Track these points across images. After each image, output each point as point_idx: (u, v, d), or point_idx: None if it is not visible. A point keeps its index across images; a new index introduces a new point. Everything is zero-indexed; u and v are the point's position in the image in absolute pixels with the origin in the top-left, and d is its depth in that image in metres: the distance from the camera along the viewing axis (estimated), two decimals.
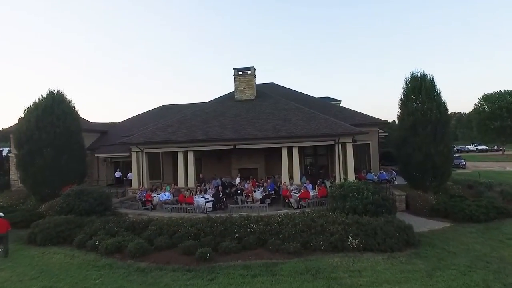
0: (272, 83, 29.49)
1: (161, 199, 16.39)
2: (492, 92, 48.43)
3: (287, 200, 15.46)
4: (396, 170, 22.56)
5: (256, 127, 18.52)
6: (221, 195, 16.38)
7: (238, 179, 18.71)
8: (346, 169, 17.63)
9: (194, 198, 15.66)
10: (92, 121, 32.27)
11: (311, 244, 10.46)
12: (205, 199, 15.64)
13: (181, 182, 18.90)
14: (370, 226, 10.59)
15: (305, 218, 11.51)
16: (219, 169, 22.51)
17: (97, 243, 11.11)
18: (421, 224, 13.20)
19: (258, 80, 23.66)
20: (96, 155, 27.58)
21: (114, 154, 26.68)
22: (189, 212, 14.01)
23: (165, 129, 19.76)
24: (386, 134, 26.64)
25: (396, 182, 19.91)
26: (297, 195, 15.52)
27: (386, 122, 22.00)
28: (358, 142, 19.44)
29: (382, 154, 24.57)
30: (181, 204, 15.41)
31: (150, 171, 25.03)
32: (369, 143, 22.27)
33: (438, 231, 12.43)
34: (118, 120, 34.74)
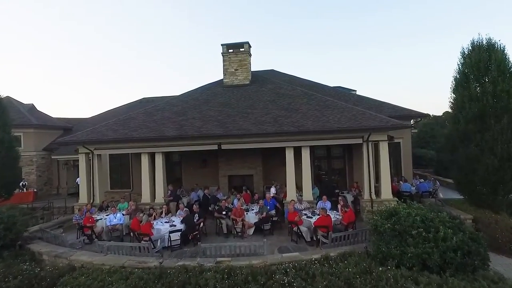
0: (272, 69, 24.21)
1: (108, 224, 11.09)
2: None
3: (295, 228, 10.15)
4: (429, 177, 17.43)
5: (251, 120, 13.24)
6: (197, 219, 11.07)
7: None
8: (378, 178, 12.34)
9: (154, 224, 10.37)
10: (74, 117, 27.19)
11: None
12: (171, 225, 10.33)
13: (145, 196, 13.60)
14: None
15: (333, 278, 6.20)
16: (204, 177, 17.23)
17: None
18: None
19: (254, 67, 18.39)
20: (53, 157, 22.31)
21: (77, 155, 21.48)
22: (137, 254, 8.65)
23: (126, 123, 14.46)
24: (415, 130, 21.39)
25: (441, 195, 14.62)
26: (311, 220, 10.23)
27: (425, 114, 16.72)
28: (374, 143, 13.43)
29: None
30: (133, 234, 10.12)
31: (119, 178, 20.18)
32: (399, 142, 17.01)
33: None
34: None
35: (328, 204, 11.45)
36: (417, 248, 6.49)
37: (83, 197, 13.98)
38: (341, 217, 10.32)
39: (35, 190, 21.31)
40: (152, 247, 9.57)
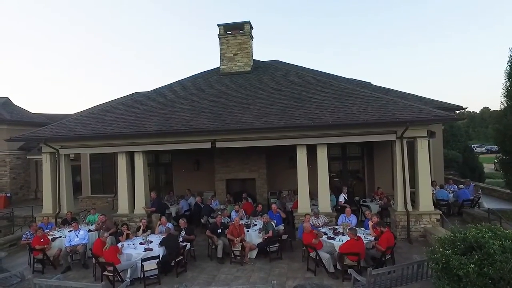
0: (276, 60, 21.59)
1: (67, 244, 8.50)
2: None
3: (312, 253, 7.53)
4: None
5: (253, 112, 10.65)
6: (182, 237, 8.49)
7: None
8: (416, 183, 9.71)
9: (124, 247, 7.79)
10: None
11: None
12: (146, 248, 7.73)
13: (123, 206, 11.00)
14: None
15: None
16: (198, 181, 14.74)
17: None
18: None
19: (255, 57, 15.58)
20: (28, 157, 19.82)
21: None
22: None
23: (100, 117, 11.89)
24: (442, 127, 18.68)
25: (485, 205, 11.99)
26: (334, 242, 7.63)
27: (460, 107, 14.02)
28: (408, 140, 9.92)
29: None
30: (96, 261, 7.54)
31: (101, 181, 17.67)
32: (428, 141, 14.36)
33: None
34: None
35: (353, 220, 8.85)
36: None
37: (47, 207, 11.41)
38: (373, 237, 7.71)
39: (8, 194, 18.83)
40: (118, 279, 7.04)
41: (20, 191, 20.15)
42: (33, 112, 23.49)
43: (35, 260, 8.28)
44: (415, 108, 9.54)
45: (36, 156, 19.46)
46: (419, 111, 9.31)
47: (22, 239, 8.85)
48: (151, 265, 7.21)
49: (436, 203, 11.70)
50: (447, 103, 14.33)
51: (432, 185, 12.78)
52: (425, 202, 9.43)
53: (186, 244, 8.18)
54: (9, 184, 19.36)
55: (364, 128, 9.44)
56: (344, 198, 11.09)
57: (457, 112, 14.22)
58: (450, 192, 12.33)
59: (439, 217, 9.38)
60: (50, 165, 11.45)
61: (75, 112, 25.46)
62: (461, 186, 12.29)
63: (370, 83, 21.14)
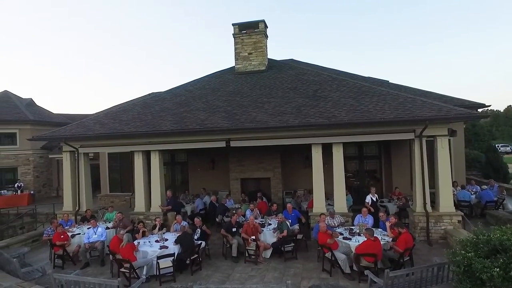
0: (292, 59, 21.44)
1: (85, 241, 8.71)
2: None
3: (327, 253, 7.41)
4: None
5: (267, 110, 10.60)
6: (197, 235, 8.54)
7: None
8: (436, 183, 9.42)
9: (140, 245, 7.90)
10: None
11: None
12: (162, 246, 7.81)
13: (139, 205, 11.19)
14: None
15: None
16: (213, 180, 14.82)
17: None
18: None
19: (271, 56, 15.43)
20: (50, 156, 20.46)
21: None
22: None
23: (118, 116, 12.13)
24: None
25: (510, 207, 11.47)
26: (350, 243, 7.48)
27: (483, 105, 13.53)
28: (427, 139, 9.62)
29: None
30: (113, 258, 7.67)
31: (119, 179, 18.05)
32: (449, 140, 13.91)
33: None
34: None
35: (369, 220, 8.65)
36: None
37: (67, 204, 11.73)
38: (390, 238, 7.52)
39: (32, 192, 19.50)
40: (135, 276, 7.15)
41: (42, 189, 20.84)
42: (54, 112, 24.25)
43: (56, 255, 8.52)
44: (435, 106, 9.24)
45: (57, 155, 20.05)
46: (439, 109, 9.00)
47: (44, 235, 9.14)
48: (166, 263, 7.29)
49: (458, 204, 11.32)
50: (468, 101, 13.86)
51: (453, 185, 12.36)
52: (446, 203, 9.13)
53: (201, 243, 8.22)
54: (32, 182, 20.05)
55: (381, 126, 9.22)
56: (372, 199, 10.41)
57: (480, 110, 13.72)
58: (472, 193, 11.89)
59: (460, 218, 9.06)
60: (70, 164, 11.77)
61: (94, 112, 26.21)
62: (484, 186, 11.82)
63: (388, 81, 20.70)
